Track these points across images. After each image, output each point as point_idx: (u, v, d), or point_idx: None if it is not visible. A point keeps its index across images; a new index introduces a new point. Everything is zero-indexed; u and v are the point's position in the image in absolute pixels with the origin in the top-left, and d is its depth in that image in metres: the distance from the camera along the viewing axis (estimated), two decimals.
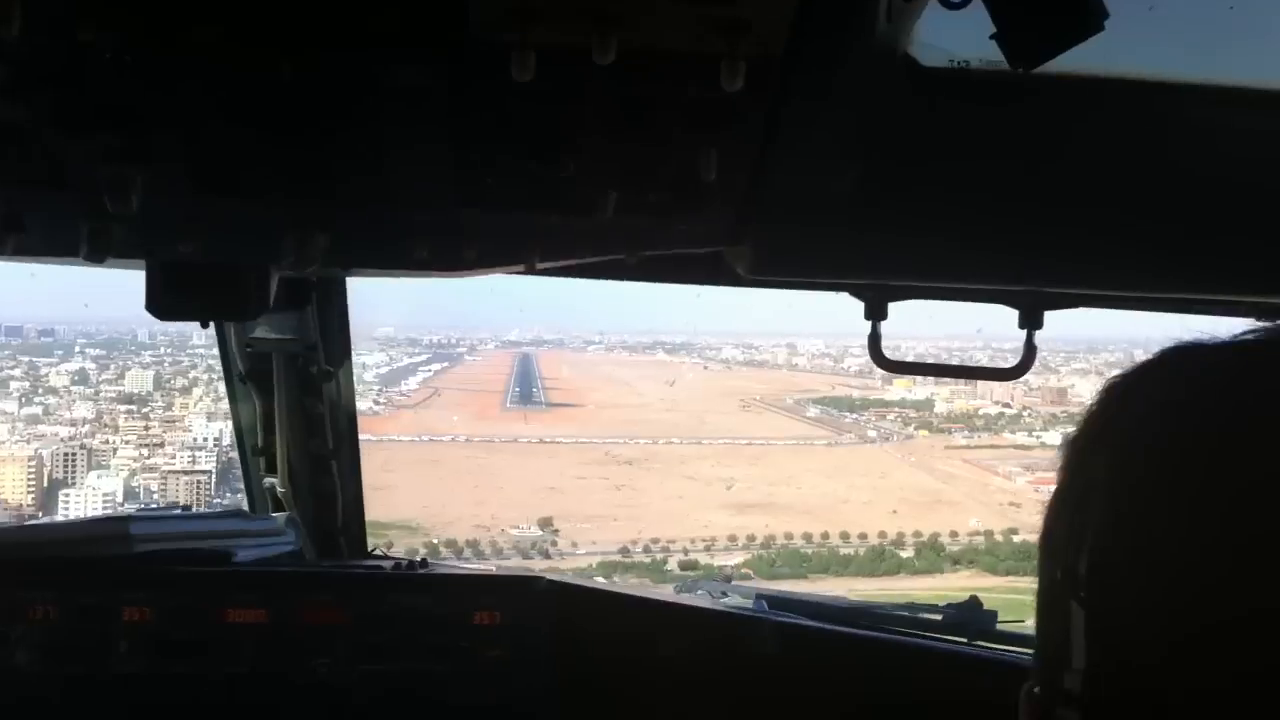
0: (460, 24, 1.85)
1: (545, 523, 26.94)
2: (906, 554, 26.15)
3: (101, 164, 2.15)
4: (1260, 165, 2.32)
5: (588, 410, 41.50)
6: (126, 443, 26.79)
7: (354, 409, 4.31)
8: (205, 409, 29.98)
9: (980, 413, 34.94)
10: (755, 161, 2.28)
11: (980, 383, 34.27)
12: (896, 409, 37.23)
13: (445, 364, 42.40)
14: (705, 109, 2.08)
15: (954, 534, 26.98)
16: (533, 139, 2.19)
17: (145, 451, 26.43)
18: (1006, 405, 35.76)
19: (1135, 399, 1.25)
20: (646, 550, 26.78)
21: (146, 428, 27.87)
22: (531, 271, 2.81)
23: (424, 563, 3.95)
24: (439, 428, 37.43)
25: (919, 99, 2.21)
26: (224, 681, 3.60)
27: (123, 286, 2.97)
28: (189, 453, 26.75)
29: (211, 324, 3.93)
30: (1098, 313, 3.01)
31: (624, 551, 26.12)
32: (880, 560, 24.61)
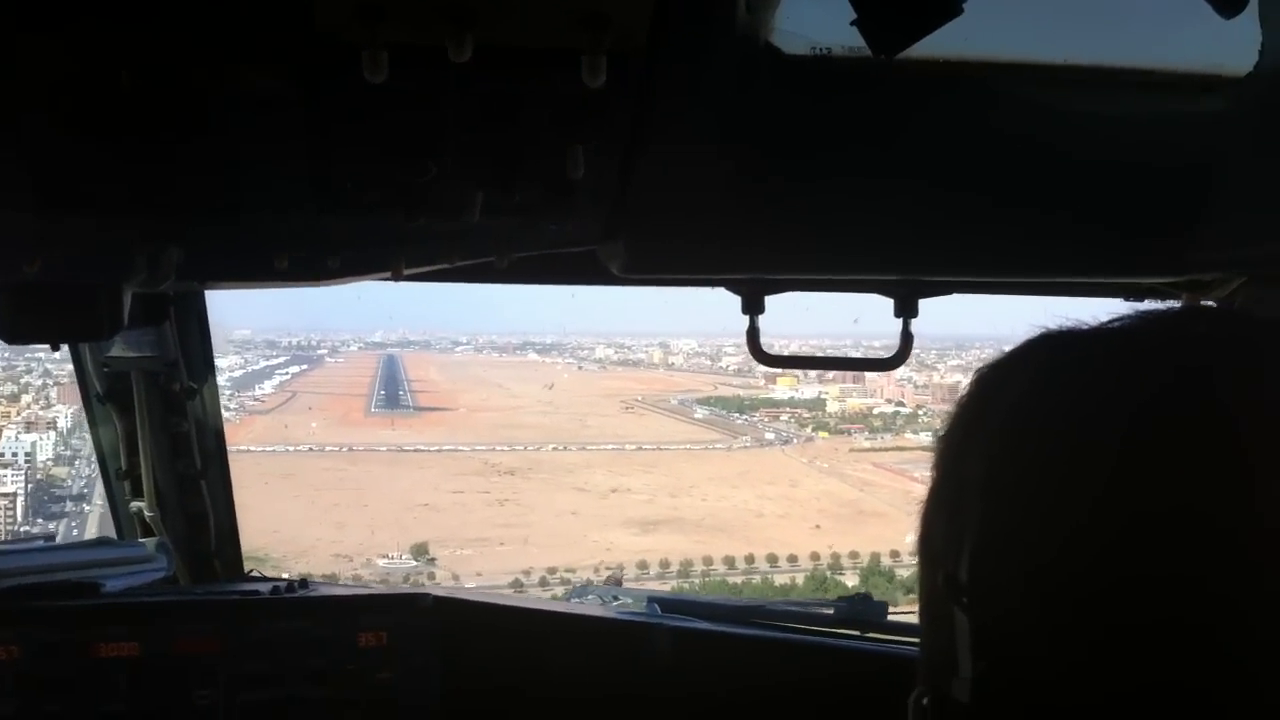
0: (307, 24, 1.78)
1: (419, 550, 24.62)
2: (850, 580, 24.83)
3: None
4: (1121, 146, 2.35)
5: (459, 414, 40.51)
6: None
7: (221, 425, 4.18)
8: (29, 416, 29.06)
9: (875, 412, 35.05)
10: (624, 158, 2.24)
11: (870, 381, 34.71)
12: (787, 409, 37.22)
13: (305, 366, 41.32)
14: (569, 106, 2.04)
15: (895, 554, 26.05)
16: (392, 141, 2.12)
17: None
18: (900, 404, 35.98)
19: (1004, 392, 1.23)
20: (543, 583, 24.31)
21: None
22: (399, 278, 2.75)
23: (304, 583, 3.84)
24: (295, 435, 35.72)
25: (783, 88, 2.18)
26: (99, 718, 3.45)
27: None
28: None
29: (65, 345, 3.81)
30: (960, 309, 3.04)
31: (516, 585, 23.76)
32: (823, 589, 22.55)
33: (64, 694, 3.45)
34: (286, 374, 40.35)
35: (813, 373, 35.87)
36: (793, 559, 27.31)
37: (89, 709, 3.45)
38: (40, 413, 29.59)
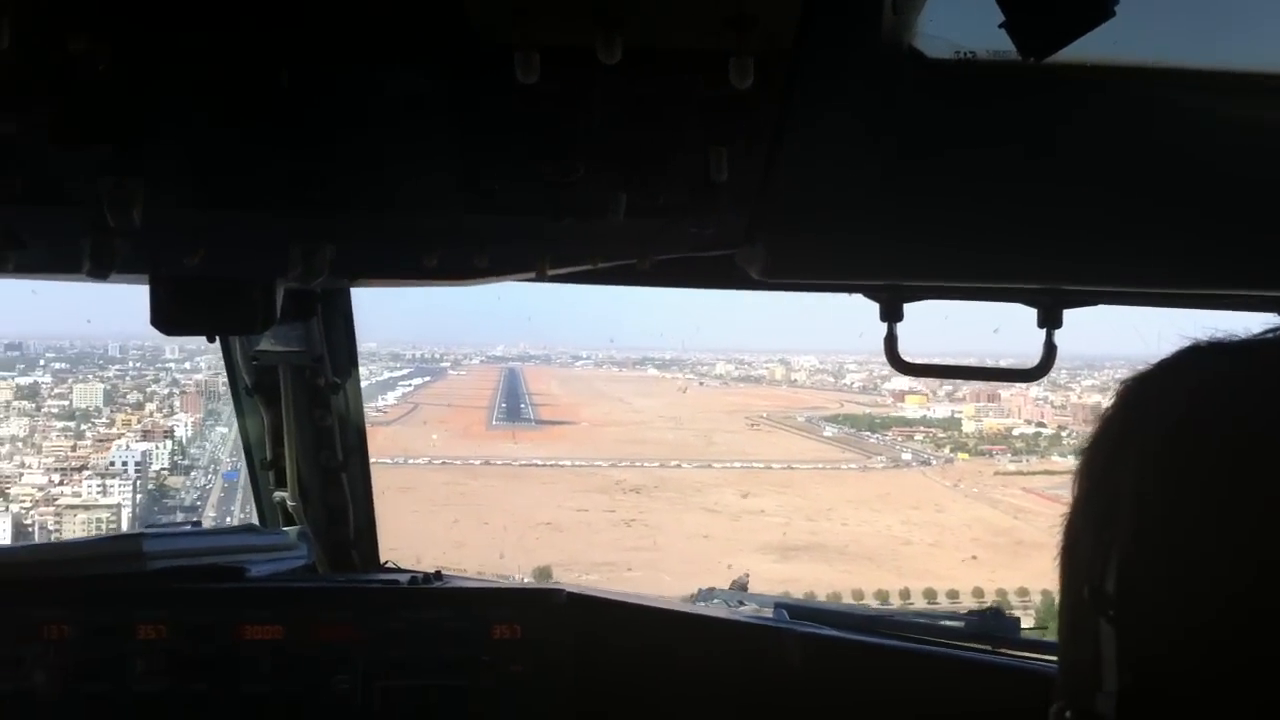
0: (461, 26, 1.82)
1: (543, 573, 22.86)
2: (1026, 623, 22.53)
3: (100, 178, 2.11)
4: (1276, 155, 2.30)
5: (581, 428, 39.82)
6: (32, 468, 25.81)
7: (362, 421, 4.30)
8: (148, 425, 29.17)
9: (1015, 433, 33.33)
10: (766, 161, 2.24)
11: (1004, 400, 33.15)
12: (921, 428, 35.72)
13: (427, 378, 41.46)
14: (715, 108, 2.05)
15: None
16: (540, 142, 2.16)
17: (58, 477, 25.43)
18: (1041, 424, 34.45)
19: (1155, 404, 1.20)
20: None
21: (74, 447, 26.75)
22: (543, 278, 2.79)
23: (439, 575, 3.91)
24: (416, 447, 35.21)
25: (926, 92, 2.15)
26: (242, 700, 3.57)
27: (130, 302, 2.95)
28: (100, 481, 25.34)
29: (218, 338, 3.94)
30: (1085, 329, 2.96)
31: None
32: None
33: (209, 674, 3.57)
34: (410, 385, 40.28)
35: (942, 391, 34.49)
36: (953, 595, 25.51)
37: (233, 689, 3.57)
38: (160, 421, 29.62)
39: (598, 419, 41.26)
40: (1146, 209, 2.37)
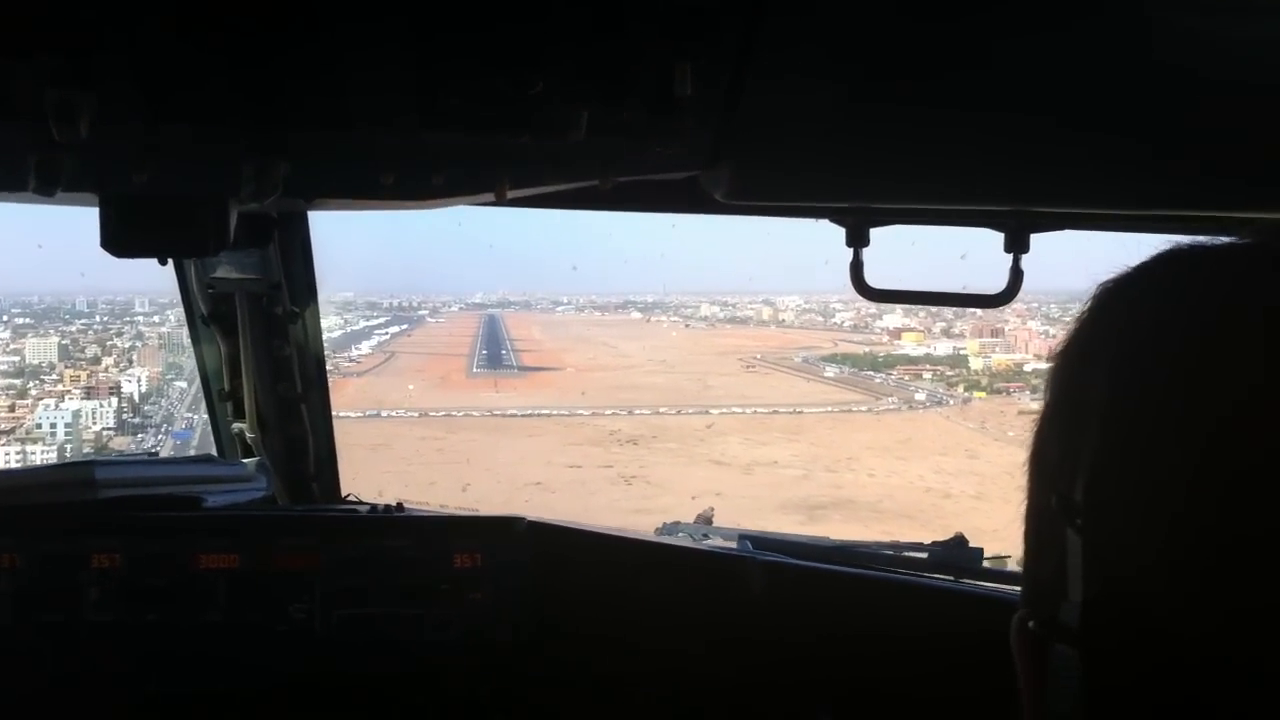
0: None
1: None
2: None
3: (45, 90, 2.02)
4: (1254, 74, 2.24)
5: (567, 374, 39.07)
6: None
7: (322, 351, 4.25)
8: (95, 382, 27.20)
9: (1028, 368, 32.68)
10: (732, 79, 2.19)
11: (1009, 335, 32.06)
12: (927, 366, 35.07)
13: (405, 326, 41.07)
14: (680, 20, 2.01)
15: None
16: (498, 54, 2.10)
17: None
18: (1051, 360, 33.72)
19: (1129, 310, 1.17)
20: None
21: (13, 407, 25.77)
22: (502, 200, 2.73)
23: (399, 507, 3.88)
24: (391, 399, 33.64)
25: (897, 9, 2.12)
26: (198, 629, 3.55)
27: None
28: (20, 448, 23.64)
29: (171, 265, 3.90)
30: (1073, 258, 2.93)
31: None
32: None
33: (164, 603, 3.54)
34: (386, 334, 39.47)
35: (937, 327, 33.01)
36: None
37: (188, 618, 3.55)
38: (114, 377, 27.88)
39: (583, 364, 39.39)
40: (1117, 130, 2.33)
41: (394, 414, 32.83)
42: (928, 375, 33.86)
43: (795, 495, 25.89)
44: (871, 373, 35.74)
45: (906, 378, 34.38)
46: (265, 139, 2.39)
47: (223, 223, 2.72)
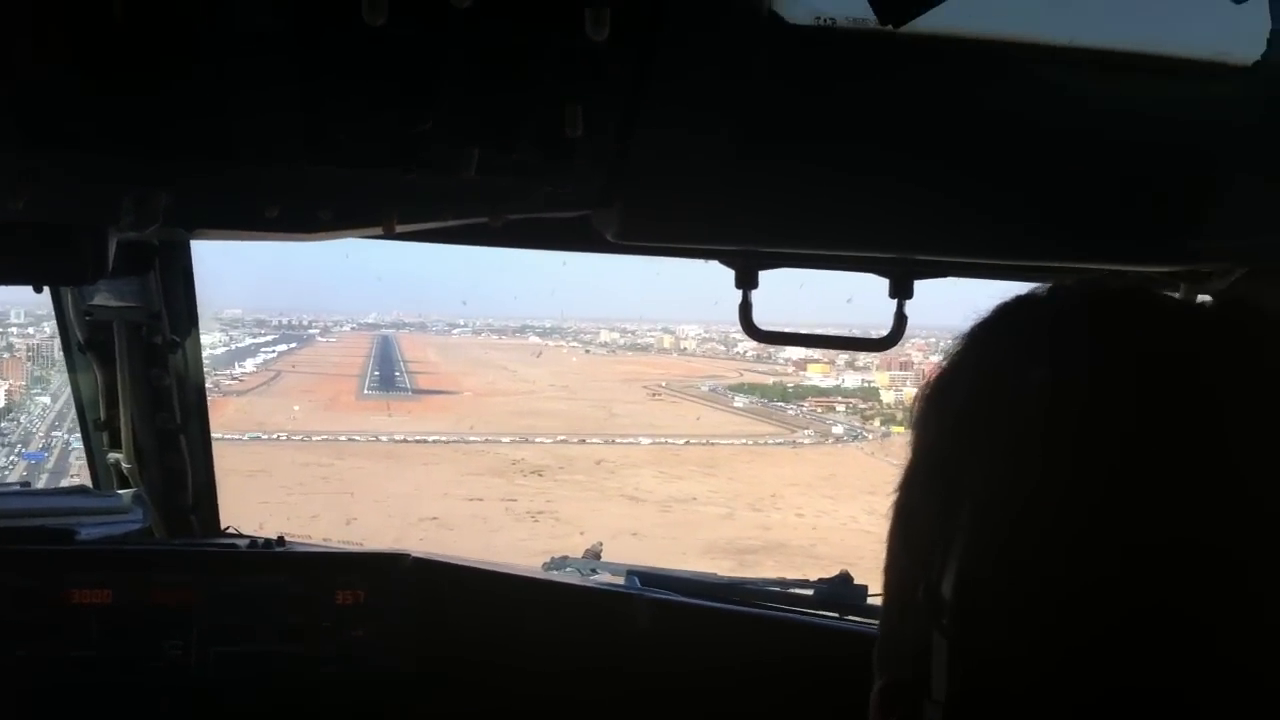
0: None
1: None
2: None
3: None
4: (1124, 132, 2.34)
5: (464, 398, 37.86)
6: None
7: (202, 381, 4.17)
8: None
9: None
10: (623, 120, 2.21)
11: (919, 368, 31.94)
12: (839, 399, 34.87)
13: (293, 345, 39.98)
14: (571, 61, 2.02)
15: None
16: (388, 90, 2.09)
17: None
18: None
19: (1015, 381, 1.12)
20: None
21: None
22: (390, 235, 2.71)
23: (281, 541, 3.81)
24: (274, 421, 31.92)
25: (786, 57, 2.16)
26: (70, 664, 3.45)
27: None
28: None
29: (47, 290, 3.77)
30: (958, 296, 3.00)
31: None
32: None
33: (35, 639, 3.44)
34: (272, 353, 38.29)
35: (842, 359, 32.23)
36: None
37: (60, 654, 3.44)
38: None
39: (481, 388, 38.55)
40: (996, 183, 2.42)
41: (276, 437, 31.05)
42: (840, 408, 33.55)
43: (720, 536, 24.62)
44: (782, 404, 35.21)
45: (819, 410, 34.08)
46: (147, 169, 2.34)
47: (102, 252, 2.67)
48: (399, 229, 2.65)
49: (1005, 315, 1.19)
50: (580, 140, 2.15)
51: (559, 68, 2.04)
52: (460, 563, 3.91)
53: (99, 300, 3.79)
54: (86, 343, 3.99)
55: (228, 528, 4.30)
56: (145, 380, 4.01)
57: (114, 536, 3.86)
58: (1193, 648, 1.00)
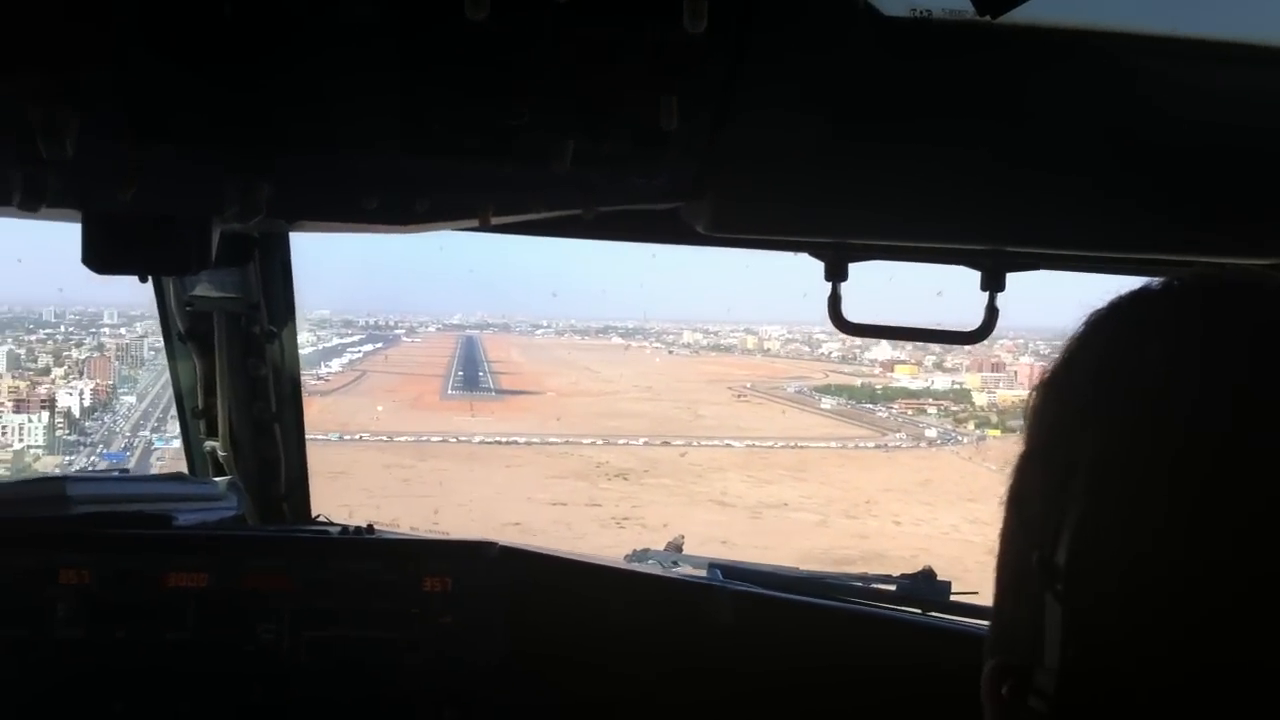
0: None
1: None
2: None
3: (31, 106, 2.03)
4: (1226, 123, 2.30)
5: (547, 398, 37.05)
6: None
7: (298, 371, 4.26)
8: (30, 394, 25.12)
9: None
10: (716, 112, 2.22)
11: (1009, 368, 30.54)
12: (930, 400, 33.21)
13: (379, 345, 40.10)
14: (666, 54, 2.03)
15: None
16: (486, 83, 2.12)
17: None
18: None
19: (1130, 358, 1.14)
20: None
21: None
22: (485, 227, 2.75)
23: (370, 529, 3.87)
24: (357, 421, 31.69)
25: (880, 48, 2.16)
26: (166, 647, 3.52)
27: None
28: None
29: (150, 281, 3.89)
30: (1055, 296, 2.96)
31: None
32: None
33: (132, 621, 3.52)
34: (358, 352, 38.38)
35: (929, 360, 31.89)
36: None
37: (156, 637, 3.52)
38: (53, 389, 25.90)
39: (565, 389, 38.01)
40: (1092, 175, 2.39)
41: (358, 438, 30.63)
42: (932, 410, 32.54)
43: (815, 545, 23.62)
44: (871, 406, 34.19)
45: (909, 412, 33.22)
46: (250, 160, 2.40)
47: (205, 242, 2.73)
48: (494, 220, 2.68)
49: (1120, 307, 1.21)
50: (674, 132, 2.17)
51: (655, 60, 2.06)
52: (546, 552, 3.95)
53: (200, 291, 3.89)
54: (187, 332, 4.10)
55: (318, 516, 4.37)
56: (243, 370, 4.11)
57: (209, 523, 3.94)
58: None
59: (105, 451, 24.68)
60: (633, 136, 2.26)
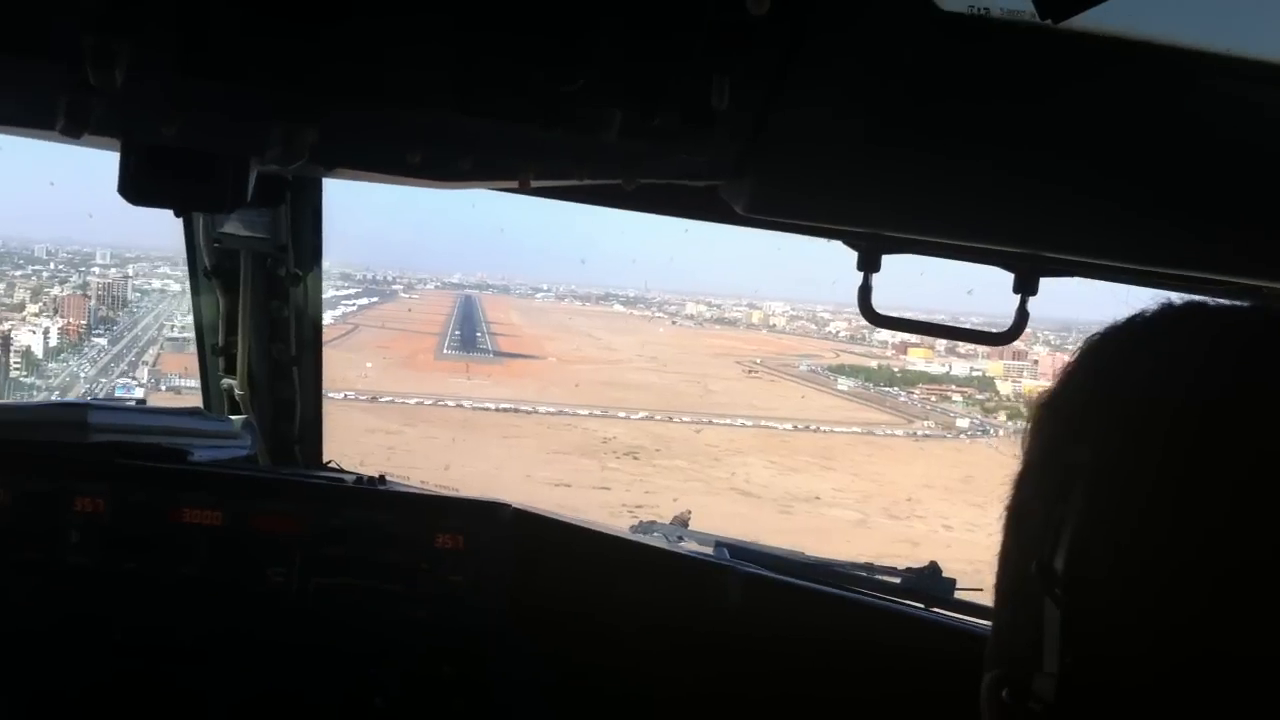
0: None
1: None
2: None
3: (85, 33, 2.01)
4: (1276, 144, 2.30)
5: (548, 363, 35.57)
6: None
7: (320, 316, 4.28)
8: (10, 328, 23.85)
9: None
10: (767, 95, 2.22)
11: (1040, 362, 29.87)
12: (954, 387, 31.99)
13: (374, 299, 39.60)
14: (725, 32, 2.03)
15: None
16: (541, 48, 2.12)
17: None
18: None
19: (1123, 367, 1.18)
20: None
21: None
22: (525, 190, 2.75)
23: (382, 479, 3.89)
24: (345, 378, 30.00)
25: (935, 42, 2.15)
26: (175, 582, 3.55)
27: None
28: None
29: (155, 225, 3.88)
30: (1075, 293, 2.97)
31: None
32: None
33: (144, 553, 3.55)
34: (353, 306, 37.79)
35: (942, 345, 29.91)
36: None
37: (166, 570, 3.55)
38: (17, 327, 24.32)
39: (567, 354, 36.62)
40: (1138, 185, 2.37)
41: (342, 396, 27.98)
42: (957, 398, 31.45)
43: (858, 551, 18.09)
44: (890, 389, 32.77)
45: (933, 398, 32.00)
46: (298, 105, 2.39)
47: (242, 181, 2.72)
48: (534, 184, 2.69)
49: (1114, 330, 1.23)
50: (723, 111, 2.16)
51: (713, 39, 2.05)
52: (558, 517, 3.97)
53: (229, 229, 3.90)
54: (213, 269, 4.11)
55: (329, 462, 4.40)
56: (265, 310, 4.12)
57: (222, 460, 3.97)
58: None
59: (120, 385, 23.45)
60: (682, 113, 2.24)
